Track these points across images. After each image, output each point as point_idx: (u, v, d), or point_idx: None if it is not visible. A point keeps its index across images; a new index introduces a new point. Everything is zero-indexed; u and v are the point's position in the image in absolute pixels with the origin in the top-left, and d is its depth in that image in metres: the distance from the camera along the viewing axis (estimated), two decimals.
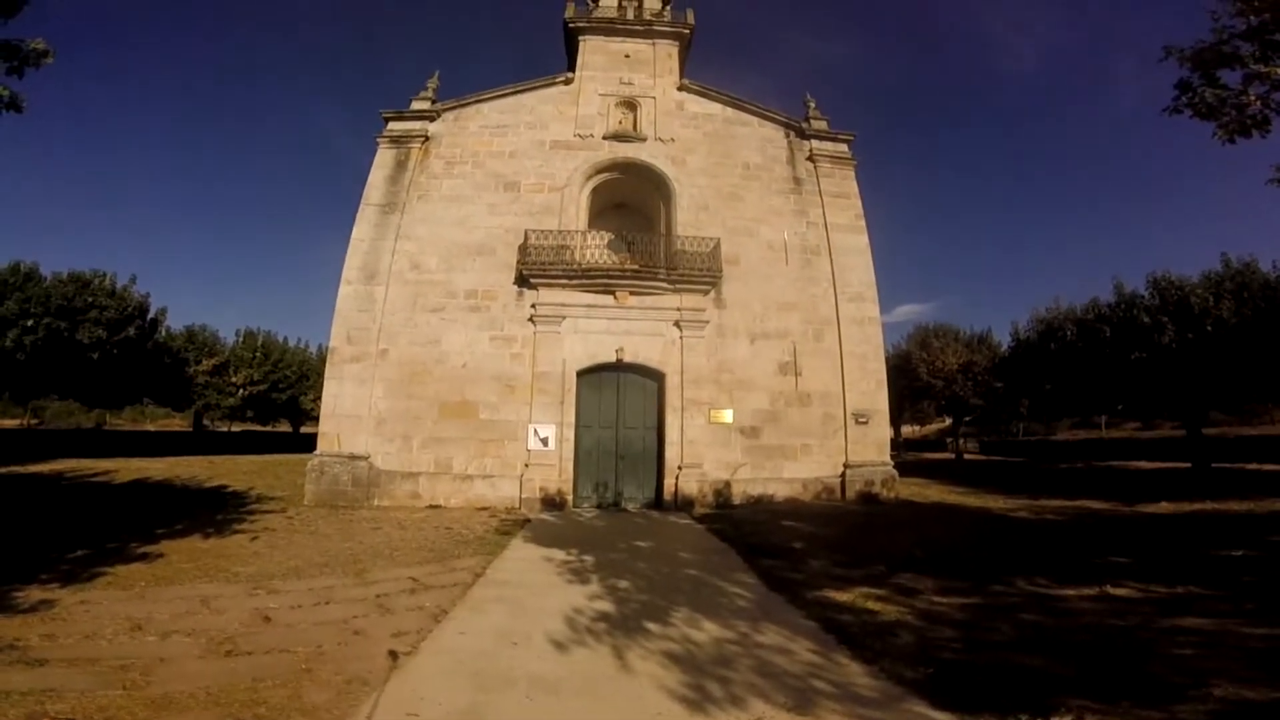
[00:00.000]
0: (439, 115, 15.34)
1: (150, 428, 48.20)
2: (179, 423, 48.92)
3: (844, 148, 15.83)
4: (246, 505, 12.06)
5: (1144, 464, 25.54)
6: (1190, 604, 5.71)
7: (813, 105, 16.34)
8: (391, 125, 15.11)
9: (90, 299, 22.63)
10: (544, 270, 13.60)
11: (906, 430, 49.35)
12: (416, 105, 15.43)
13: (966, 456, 35.16)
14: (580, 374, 13.49)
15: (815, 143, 15.72)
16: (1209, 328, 17.27)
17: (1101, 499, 14.54)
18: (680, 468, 13.03)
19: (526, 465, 12.83)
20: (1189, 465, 20.88)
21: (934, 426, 53.69)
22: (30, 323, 20.57)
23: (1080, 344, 21.45)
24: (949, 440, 40.67)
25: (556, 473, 12.86)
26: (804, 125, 15.94)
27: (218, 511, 11.07)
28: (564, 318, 13.61)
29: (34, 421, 48.14)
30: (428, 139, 15.01)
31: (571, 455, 13.16)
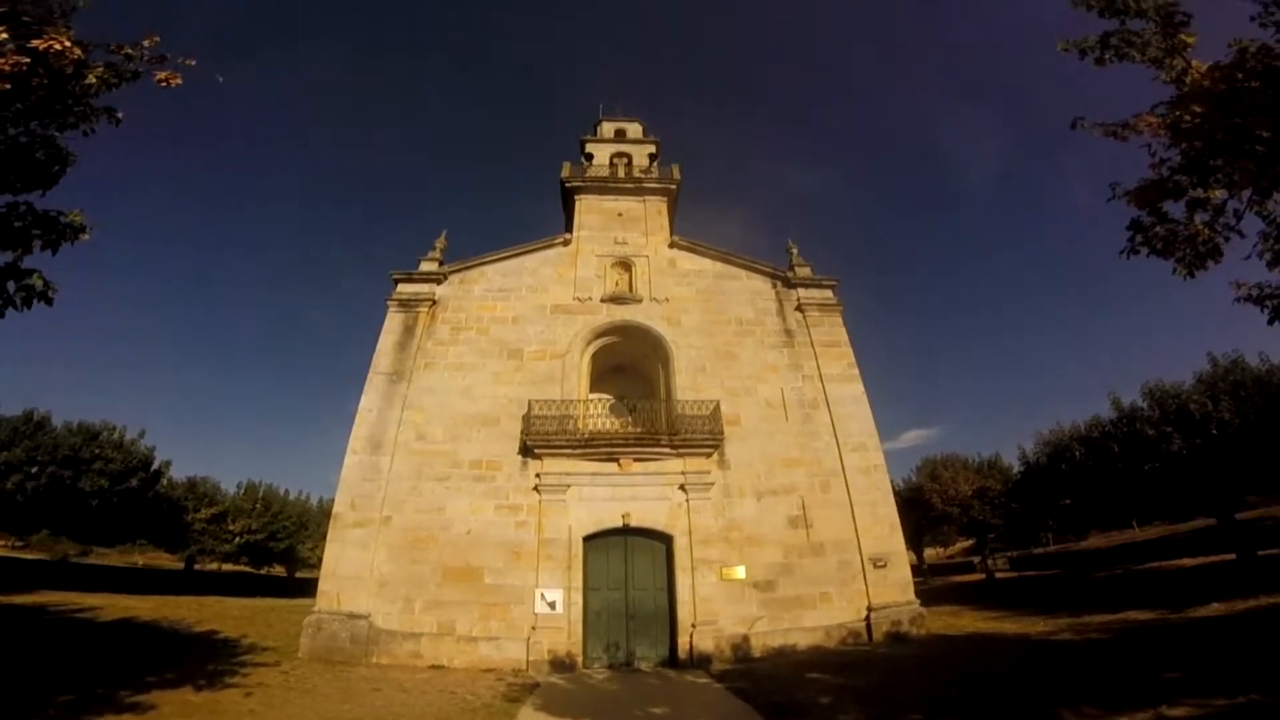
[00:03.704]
0: (445, 277, 16.18)
1: (139, 561, 46.66)
2: (168, 559, 47.40)
3: (829, 294, 16.50)
4: (239, 655, 11.56)
5: (1185, 561, 24.05)
6: (1251, 716, 5.49)
7: (795, 252, 17.20)
8: (401, 288, 15.91)
9: (97, 450, 22.98)
10: (548, 441, 13.78)
11: (930, 554, 47.42)
12: (425, 266, 16.30)
13: (998, 575, 33.60)
14: (587, 539, 13.35)
15: (802, 291, 16.42)
16: (1214, 431, 17.22)
17: (1147, 608, 13.80)
18: (694, 625, 12.58)
19: (534, 628, 12.40)
20: (1233, 556, 19.81)
21: (959, 547, 51.71)
22: (34, 469, 20.82)
23: (1090, 462, 21.33)
24: (976, 561, 39.08)
25: (565, 635, 12.41)
26: (789, 274, 16.72)
27: (209, 660, 10.58)
28: (569, 486, 13.64)
29: (19, 544, 46.73)
30: (434, 302, 15.73)
31: (580, 617, 12.76)
